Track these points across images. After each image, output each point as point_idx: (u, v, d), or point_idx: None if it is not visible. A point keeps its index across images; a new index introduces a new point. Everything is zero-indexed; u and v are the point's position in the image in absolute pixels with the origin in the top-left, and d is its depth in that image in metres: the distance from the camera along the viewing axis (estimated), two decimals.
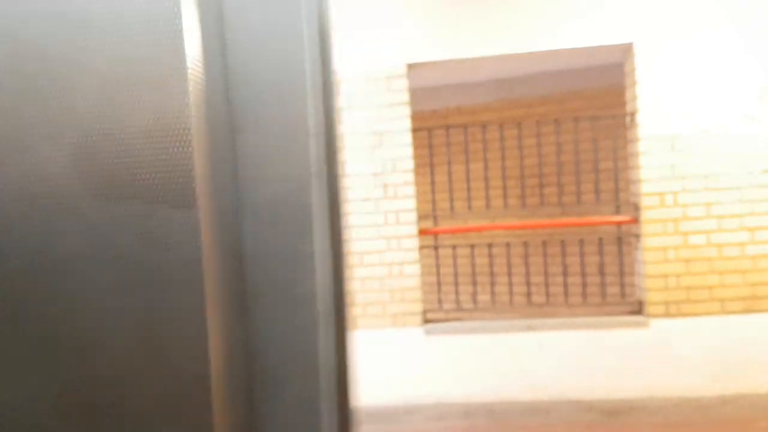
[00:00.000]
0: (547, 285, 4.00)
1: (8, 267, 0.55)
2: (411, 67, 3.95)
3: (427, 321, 4.06)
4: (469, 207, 4.16)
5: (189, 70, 0.54)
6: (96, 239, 0.55)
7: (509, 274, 3.93)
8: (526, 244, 4.05)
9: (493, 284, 3.98)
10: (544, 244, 4.04)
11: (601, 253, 3.95)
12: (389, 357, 4.01)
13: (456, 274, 4.10)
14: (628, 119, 3.88)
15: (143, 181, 0.55)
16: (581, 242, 3.98)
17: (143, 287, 0.55)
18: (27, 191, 0.55)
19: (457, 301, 4.11)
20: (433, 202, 4.11)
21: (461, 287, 4.18)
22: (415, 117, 4.04)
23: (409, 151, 3.96)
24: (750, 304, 3.74)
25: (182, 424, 0.55)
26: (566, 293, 4.00)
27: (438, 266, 4.12)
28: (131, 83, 0.54)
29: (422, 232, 4.05)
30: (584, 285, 3.98)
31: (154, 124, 0.54)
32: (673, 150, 3.73)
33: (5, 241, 0.55)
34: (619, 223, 3.97)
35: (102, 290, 0.55)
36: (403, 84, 3.92)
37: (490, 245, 4.12)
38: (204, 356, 0.54)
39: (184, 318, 0.54)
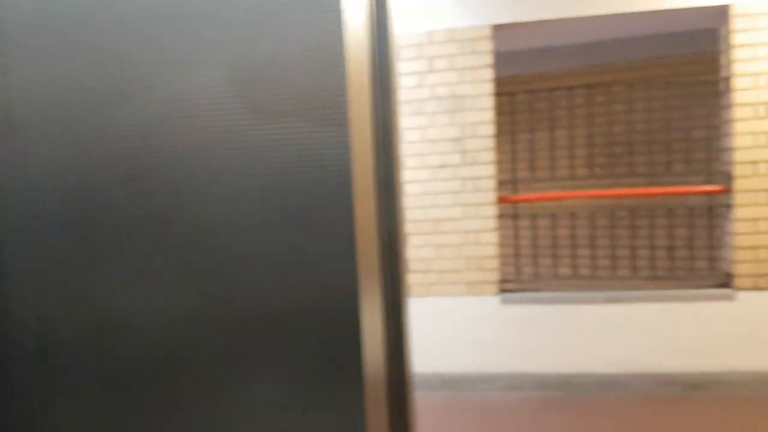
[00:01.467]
0: (633, 258, 3.90)
1: (167, 178, 0.54)
2: (496, 28, 3.84)
3: (503, 291, 3.99)
4: (553, 175, 4.06)
5: None
6: (252, 154, 0.55)
7: (592, 246, 3.83)
8: (611, 215, 3.94)
9: (574, 256, 3.89)
10: (631, 215, 3.93)
11: (690, 224, 3.84)
12: (464, 325, 3.96)
13: (535, 246, 4.02)
14: (722, 85, 3.74)
15: (297, 99, 0.54)
16: (669, 213, 3.87)
17: (296, 201, 0.54)
18: (188, 106, 0.54)
19: (536, 273, 4.03)
20: (514, 170, 4.02)
21: (540, 259, 4.10)
22: (496, 82, 3.94)
23: (490, 115, 3.87)
24: None
25: (332, 335, 0.55)
26: (652, 266, 3.90)
27: (516, 236, 4.04)
28: (285, 6, 0.54)
29: (501, 200, 3.98)
30: (671, 257, 3.88)
31: (308, 42, 0.53)
32: None
33: (168, 152, 0.54)
34: (709, 193, 3.85)
35: (256, 204, 0.55)
36: (488, 46, 3.82)
37: (572, 215, 4.02)
38: (352, 270, 0.53)
39: (334, 233, 0.53)
